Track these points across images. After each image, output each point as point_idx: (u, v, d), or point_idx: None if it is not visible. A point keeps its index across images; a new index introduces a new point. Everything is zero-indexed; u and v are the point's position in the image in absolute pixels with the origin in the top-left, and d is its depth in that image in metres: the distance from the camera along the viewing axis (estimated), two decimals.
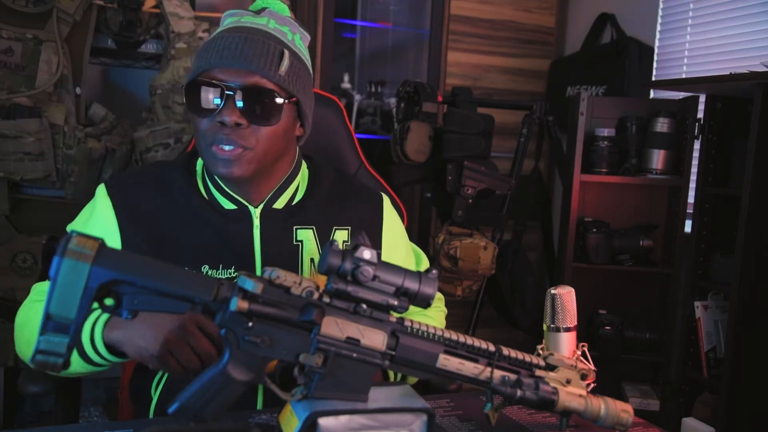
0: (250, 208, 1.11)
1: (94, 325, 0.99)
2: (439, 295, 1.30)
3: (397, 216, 1.27)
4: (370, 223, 1.19)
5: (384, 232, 1.20)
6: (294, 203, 1.15)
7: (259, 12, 1.09)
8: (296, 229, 1.12)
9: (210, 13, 2.25)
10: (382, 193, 1.25)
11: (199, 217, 1.08)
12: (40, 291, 1.12)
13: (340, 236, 1.15)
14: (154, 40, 2.29)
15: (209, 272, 1.06)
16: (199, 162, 1.16)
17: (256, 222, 1.10)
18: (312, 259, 1.12)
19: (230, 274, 1.07)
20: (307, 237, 1.12)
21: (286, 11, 1.12)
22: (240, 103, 1.01)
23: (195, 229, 1.07)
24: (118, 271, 0.73)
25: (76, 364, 1.01)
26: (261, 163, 1.06)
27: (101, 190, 1.12)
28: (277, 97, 1.03)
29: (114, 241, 1.07)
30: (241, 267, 1.07)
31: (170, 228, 1.08)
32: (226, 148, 1.02)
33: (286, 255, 1.10)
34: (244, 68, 1.01)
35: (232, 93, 1.01)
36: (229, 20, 1.10)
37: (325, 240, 1.13)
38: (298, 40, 1.11)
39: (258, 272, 1.08)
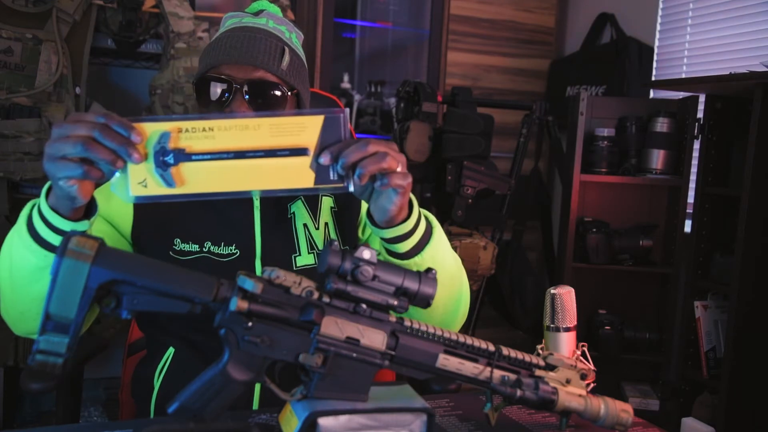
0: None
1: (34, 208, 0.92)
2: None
3: None
4: (348, 198, 1.22)
5: (363, 207, 1.22)
6: None
7: (257, 14, 1.17)
8: (289, 204, 1.18)
9: (210, 13, 2.25)
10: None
11: (202, 202, 1.10)
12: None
13: (327, 202, 1.20)
14: (154, 40, 2.29)
15: (212, 248, 1.10)
16: None
17: (257, 203, 1.15)
18: (305, 225, 1.17)
19: (231, 250, 1.11)
20: (297, 207, 1.18)
21: (280, 13, 1.20)
22: (247, 96, 1.08)
23: (199, 212, 1.12)
24: (117, 271, 0.73)
25: (30, 262, 0.90)
26: None
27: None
28: (280, 89, 1.10)
29: (127, 215, 1.11)
30: (242, 245, 1.11)
31: (176, 209, 1.11)
32: None
33: (283, 228, 1.15)
34: (249, 64, 1.08)
35: (239, 86, 1.08)
36: (231, 21, 1.17)
37: (314, 206, 1.18)
38: (295, 38, 1.18)
39: (258, 249, 1.12)
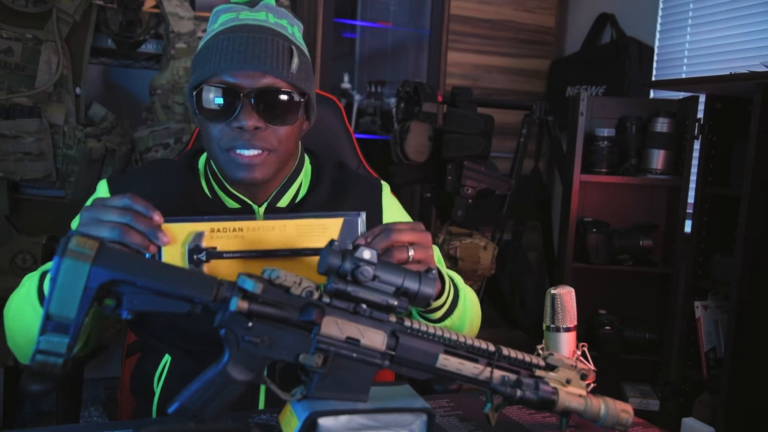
0: (254, 206, 1.10)
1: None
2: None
3: (398, 203, 1.26)
4: (369, 211, 1.18)
5: (385, 218, 1.19)
6: (297, 201, 1.14)
7: (252, 4, 1.07)
8: None
9: (210, 13, 2.25)
10: (383, 182, 1.25)
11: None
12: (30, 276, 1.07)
13: None
14: (154, 40, 2.29)
15: None
16: (201, 160, 1.16)
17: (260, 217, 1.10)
18: None
19: None
20: None
21: (273, 1, 1.10)
22: (257, 106, 0.99)
23: None
24: (117, 271, 0.73)
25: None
26: (282, 164, 1.07)
27: (103, 186, 1.11)
28: (292, 96, 1.02)
29: None
30: None
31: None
32: (247, 152, 1.01)
33: None
34: (257, 70, 0.99)
35: (248, 96, 0.99)
36: (224, 17, 1.06)
37: None
38: (297, 32, 1.09)
39: None
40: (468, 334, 1.08)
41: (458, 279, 1.13)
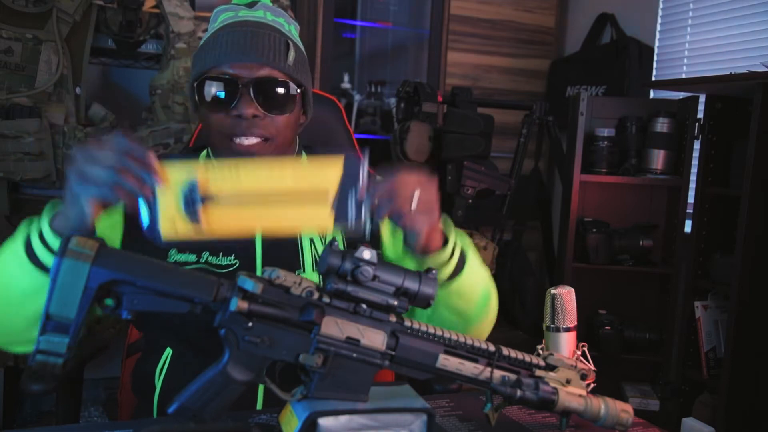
0: None
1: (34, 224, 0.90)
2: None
3: None
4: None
5: None
6: None
7: (251, 5, 1.12)
8: None
9: (210, 13, 2.25)
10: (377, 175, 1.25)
11: None
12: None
13: None
14: (154, 40, 2.29)
15: (209, 258, 1.07)
16: (202, 156, 1.18)
17: None
18: (312, 240, 1.12)
19: (230, 261, 1.08)
20: None
21: (269, 2, 1.15)
22: (255, 96, 1.04)
23: None
24: (117, 272, 0.73)
25: (26, 277, 0.88)
26: (279, 152, 1.08)
27: None
28: (288, 86, 1.07)
29: (117, 227, 1.07)
30: (241, 254, 1.08)
31: None
32: (246, 141, 1.05)
33: (287, 241, 1.11)
34: (256, 62, 1.04)
35: (247, 86, 1.03)
36: (224, 15, 1.12)
37: None
38: (294, 30, 1.14)
39: (258, 260, 1.09)
40: (481, 308, 1.07)
41: (470, 245, 1.10)
